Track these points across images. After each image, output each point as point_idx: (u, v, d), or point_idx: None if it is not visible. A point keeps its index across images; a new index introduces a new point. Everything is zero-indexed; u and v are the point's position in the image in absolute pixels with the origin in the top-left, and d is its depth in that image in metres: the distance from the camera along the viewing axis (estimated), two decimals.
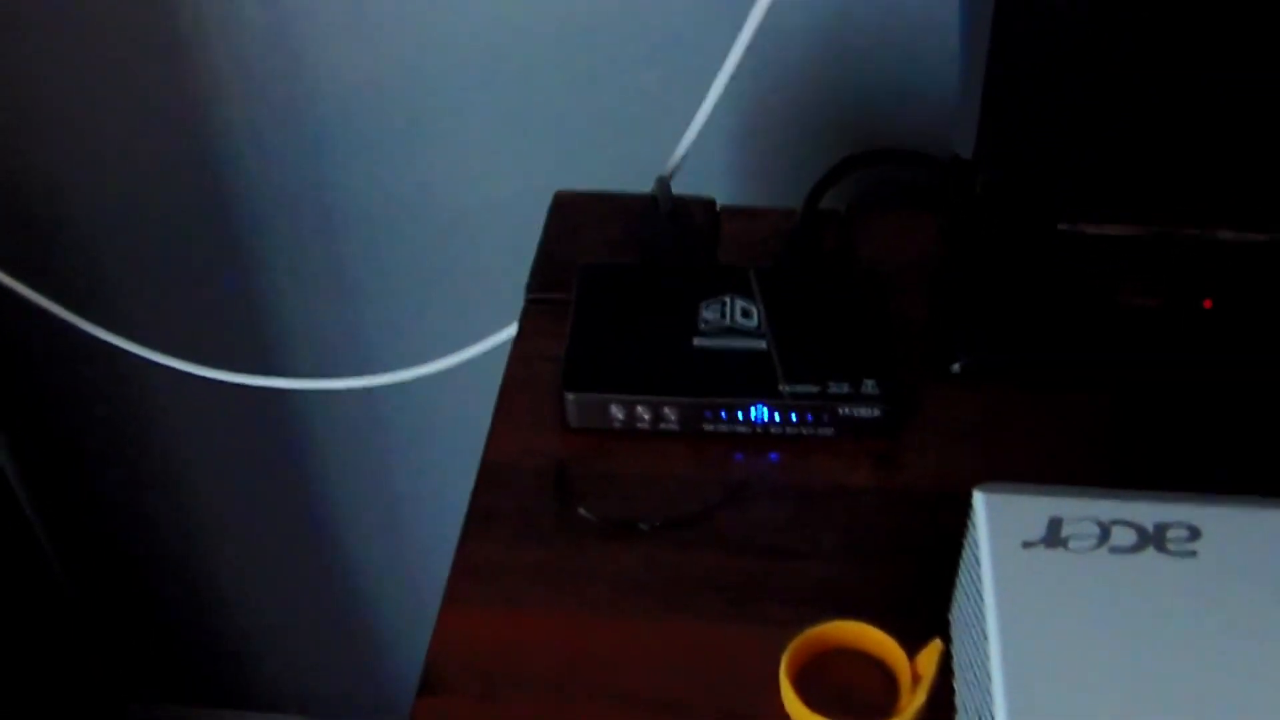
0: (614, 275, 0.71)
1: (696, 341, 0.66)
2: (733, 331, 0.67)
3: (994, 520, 0.47)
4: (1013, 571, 0.45)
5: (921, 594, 0.56)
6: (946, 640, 0.52)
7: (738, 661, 0.55)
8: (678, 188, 0.78)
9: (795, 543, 0.60)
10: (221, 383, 0.96)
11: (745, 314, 0.68)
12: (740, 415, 0.64)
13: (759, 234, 0.76)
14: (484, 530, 0.61)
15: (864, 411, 0.64)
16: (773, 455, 0.64)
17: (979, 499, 0.48)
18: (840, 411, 0.64)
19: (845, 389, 0.64)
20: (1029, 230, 0.61)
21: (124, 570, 1.31)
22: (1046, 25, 0.56)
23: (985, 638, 0.44)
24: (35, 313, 0.92)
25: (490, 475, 0.64)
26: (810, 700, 0.52)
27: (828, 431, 0.64)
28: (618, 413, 0.64)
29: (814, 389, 0.64)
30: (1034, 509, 0.47)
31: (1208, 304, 0.61)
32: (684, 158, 0.78)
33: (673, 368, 0.65)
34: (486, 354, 0.84)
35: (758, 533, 0.61)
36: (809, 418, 0.64)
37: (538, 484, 0.63)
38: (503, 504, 0.62)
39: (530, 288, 0.73)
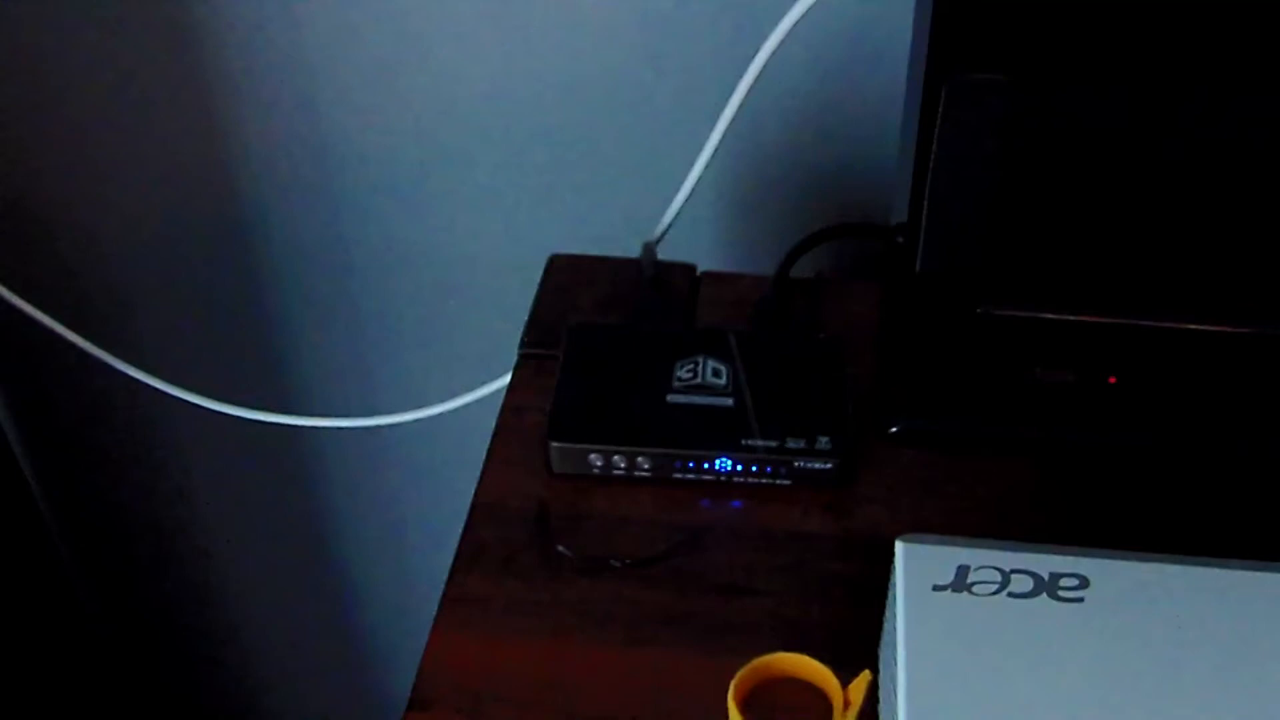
0: (599, 335, 0.78)
1: (670, 398, 0.73)
2: (703, 389, 0.74)
3: (910, 566, 0.54)
4: (923, 611, 0.52)
5: (857, 629, 0.62)
6: (875, 671, 0.59)
7: (693, 687, 0.62)
8: (663, 253, 0.85)
9: (750, 581, 0.67)
10: (237, 418, 1.03)
11: (715, 374, 0.75)
12: (706, 465, 0.71)
13: (735, 298, 0.83)
14: (472, 564, 0.68)
15: (817, 465, 0.71)
16: (735, 502, 0.71)
17: (899, 547, 0.55)
18: (796, 464, 0.71)
19: (801, 444, 0.71)
20: (953, 311, 0.69)
21: (135, 595, 1.38)
22: (970, 130, 0.64)
23: (897, 670, 0.51)
24: (64, 347, 0.99)
25: (480, 514, 0.71)
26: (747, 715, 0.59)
27: (785, 482, 0.71)
28: (596, 460, 0.72)
29: (773, 444, 0.71)
30: (945, 557, 0.54)
31: (1112, 380, 0.68)
32: (669, 226, 0.86)
33: (647, 421, 0.72)
34: (482, 400, 0.91)
35: (717, 572, 0.68)
36: (768, 469, 0.71)
37: (522, 523, 0.70)
38: (490, 540, 0.69)
39: (523, 343, 0.81)
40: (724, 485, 0.71)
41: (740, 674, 0.60)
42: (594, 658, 0.64)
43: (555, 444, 0.71)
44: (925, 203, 0.65)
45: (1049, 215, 0.66)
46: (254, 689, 1.48)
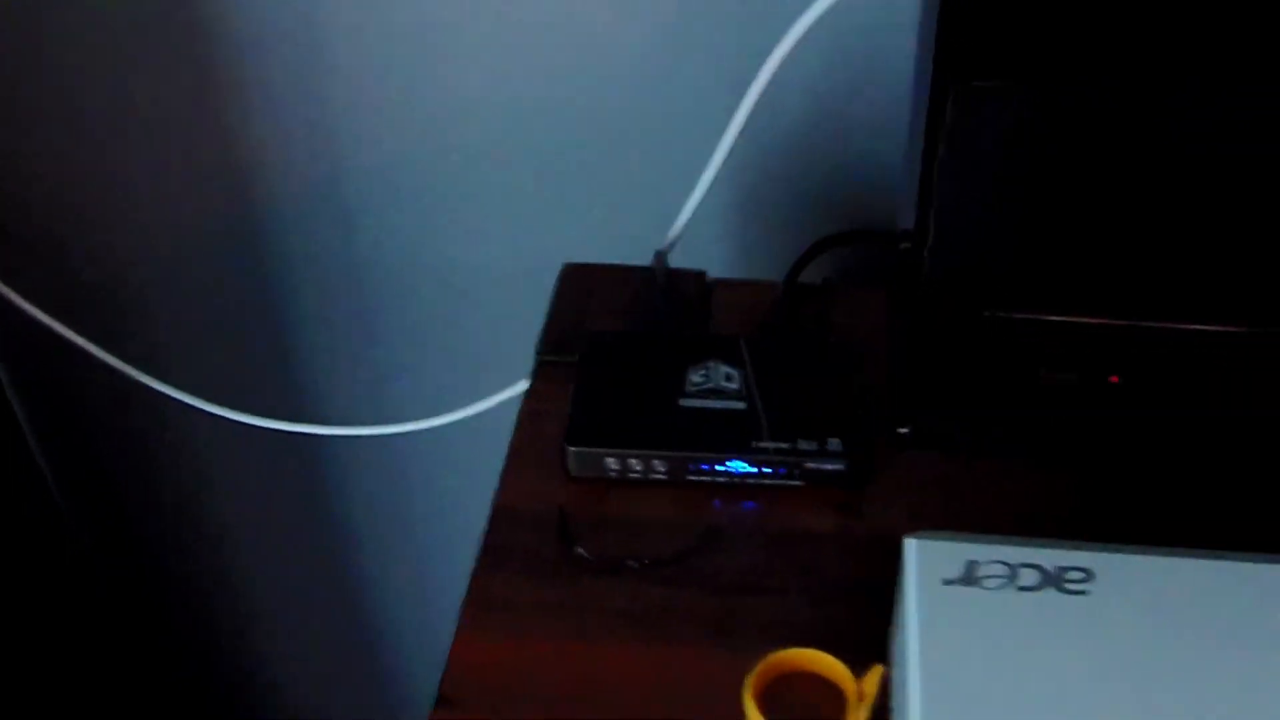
0: (614, 342, 0.80)
1: (683, 402, 0.75)
2: (716, 393, 0.76)
3: (920, 561, 0.55)
4: (934, 605, 0.54)
5: (870, 626, 0.64)
6: (888, 665, 0.61)
7: (712, 683, 0.63)
8: (674, 261, 0.87)
9: (764, 580, 0.69)
10: (252, 426, 1.04)
11: (728, 378, 0.76)
12: (720, 468, 0.73)
13: (746, 304, 0.85)
14: (494, 567, 0.70)
15: (829, 466, 0.72)
16: (748, 503, 0.73)
17: (909, 543, 0.56)
18: (808, 466, 0.72)
19: (814, 446, 0.72)
20: (961, 314, 0.71)
21: (150, 601, 1.40)
22: (977, 136, 0.65)
23: (908, 662, 0.53)
24: (80, 355, 1.01)
25: (500, 518, 0.72)
26: (770, 715, 0.60)
27: (797, 483, 0.73)
28: (613, 464, 0.73)
29: (786, 445, 0.72)
30: (954, 553, 0.56)
31: (1114, 379, 0.70)
32: (680, 234, 0.87)
33: (662, 425, 0.74)
34: (499, 406, 0.93)
35: (732, 571, 0.69)
36: (781, 470, 0.73)
37: (541, 526, 0.72)
38: (510, 544, 0.71)
39: (540, 350, 0.82)
40: (737, 487, 0.73)
41: (756, 669, 0.62)
42: (615, 656, 0.65)
43: (573, 448, 0.73)
44: (932, 208, 0.67)
45: (1055, 219, 0.68)
46: (268, 693, 1.50)
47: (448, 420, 0.99)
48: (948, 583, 0.54)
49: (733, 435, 0.73)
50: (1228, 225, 0.68)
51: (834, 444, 0.72)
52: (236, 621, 1.40)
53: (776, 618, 0.67)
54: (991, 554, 0.55)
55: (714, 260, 0.91)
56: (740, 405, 0.75)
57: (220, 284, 1.10)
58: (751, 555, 0.70)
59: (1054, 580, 0.54)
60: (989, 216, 0.69)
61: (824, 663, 0.62)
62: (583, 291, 0.86)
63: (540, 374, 0.81)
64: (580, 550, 0.70)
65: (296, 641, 1.43)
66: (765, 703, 0.61)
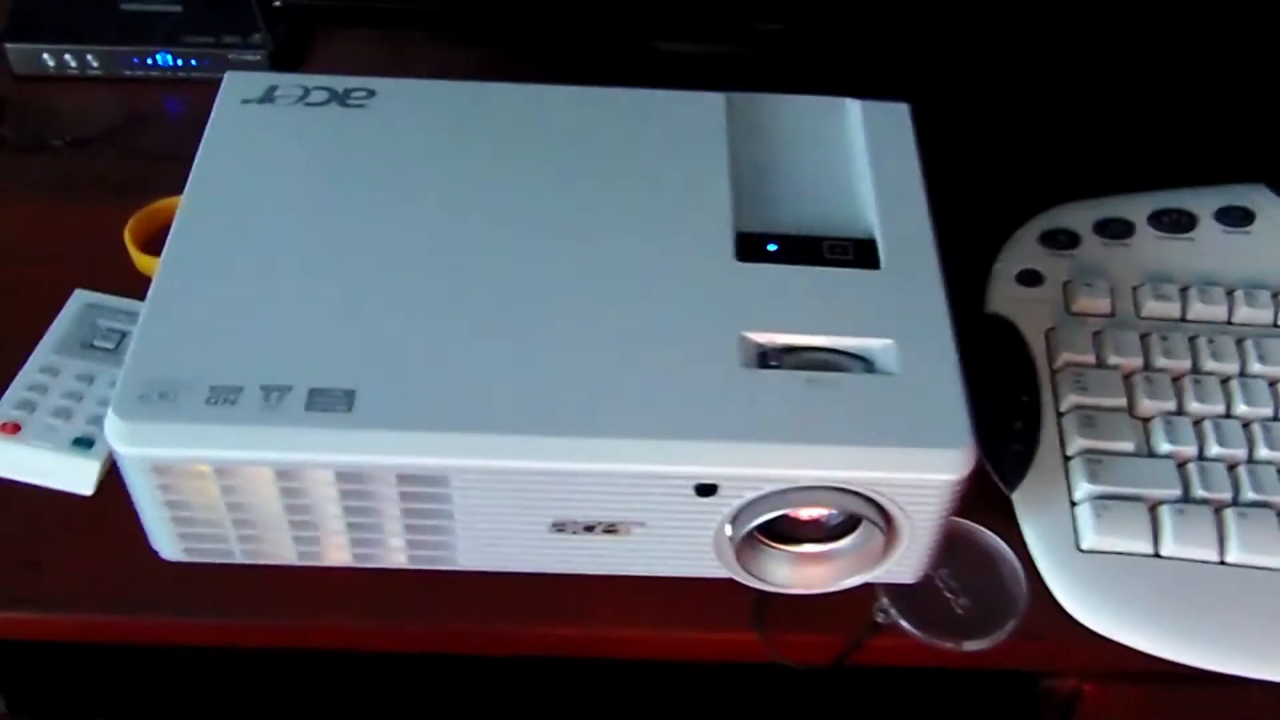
0: None
1: (124, 6, 0.82)
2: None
3: (228, 88, 0.63)
4: (225, 122, 0.62)
5: None
6: None
7: (114, 235, 0.71)
8: None
9: (174, 151, 0.76)
10: None
11: None
12: (150, 61, 0.80)
13: None
14: None
15: (249, 56, 0.80)
16: (177, 94, 0.80)
17: (226, 76, 0.64)
18: (232, 57, 0.80)
19: (237, 40, 0.80)
20: None
21: None
22: None
23: (193, 171, 0.60)
24: None
25: None
26: (147, 250, 0.69)
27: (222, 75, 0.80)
28: (49, 60, 0.80)
29: (210, 39, 0.80)
30: (259, 80, 0.64)
31: None
32: None
33: (99, 25, 0.80)
34: None
35: (152, 147, 0.77)
36: (207, 63, 0.80)
37: None
38: None
39: None
40: (169, 81, 0.80)
41: (138, 214, 0.70)
42: (28, 218, 0.73)
43: (10, 45, 0.79)
44: None
45: None
46: None
47: None
48: (245, 102, 0.63)
49: (166, 34, 0.80)
50: None
51: (255, 38, 0.80)
52: None
53: (177, 180, 0.74)
54: (293, 80, 0.64)
55: None
56: (177, 9, 0.81)
57: None
58: (172, 134, 0.78)
59: (339, 98, 0.63)
60: None
61: None
62: None
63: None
64: (4, 130, 0.77)
65: None
66: (144, 243, 0.70)
